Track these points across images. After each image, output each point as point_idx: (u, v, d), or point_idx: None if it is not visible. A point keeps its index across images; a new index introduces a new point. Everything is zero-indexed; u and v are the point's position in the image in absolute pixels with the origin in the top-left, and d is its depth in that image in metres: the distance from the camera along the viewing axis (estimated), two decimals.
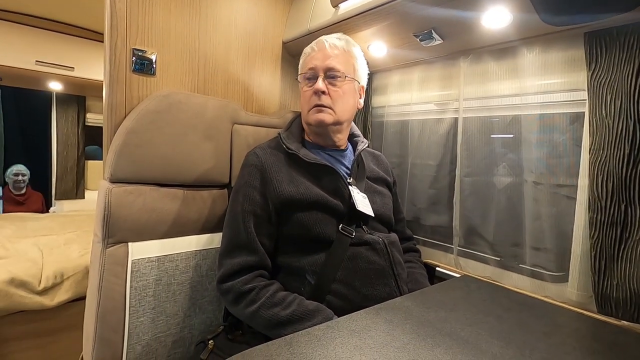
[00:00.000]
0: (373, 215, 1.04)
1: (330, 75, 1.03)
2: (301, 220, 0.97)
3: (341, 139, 1.12)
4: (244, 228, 0.97)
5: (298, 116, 1.17)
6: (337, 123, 1.06)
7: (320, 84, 1.01)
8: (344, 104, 1.05)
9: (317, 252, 0.97)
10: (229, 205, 1.04)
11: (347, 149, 1.15)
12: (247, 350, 0.62)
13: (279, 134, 1.09)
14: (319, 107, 1.02)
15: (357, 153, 1.11)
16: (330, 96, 1.02)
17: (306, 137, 1.13)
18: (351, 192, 1.01)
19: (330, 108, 1.03)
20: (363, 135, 1.69)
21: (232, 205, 1.02)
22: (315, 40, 1.08)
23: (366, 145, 1.15)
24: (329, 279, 0.94)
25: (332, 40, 1.05)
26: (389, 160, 1.31)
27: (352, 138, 1.19)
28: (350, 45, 1.08)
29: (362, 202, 1.02)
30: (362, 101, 1.14)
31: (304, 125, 1.12)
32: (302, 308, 0.87)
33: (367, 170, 1.14)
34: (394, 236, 1.09)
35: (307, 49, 1.09)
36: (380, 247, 0.99)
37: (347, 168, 1.11)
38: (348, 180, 1.04)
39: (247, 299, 0.90)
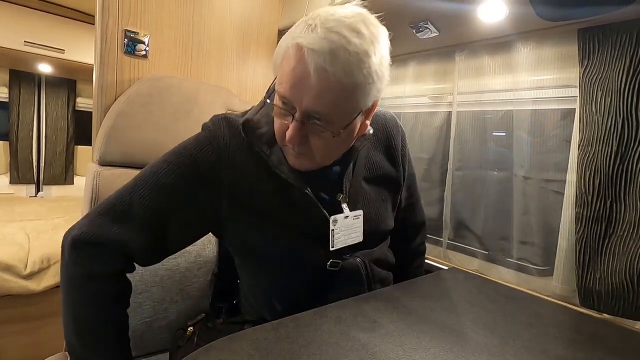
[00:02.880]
0: (361, 240, 0.80)
1: (312, 118, 0.64)
2: (256, 240, 0.75)
3: (332, 160, 0.77)
4: (145, 202, 0.68)
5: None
6: (325, 164, 0.75)
7: (294, 133, 0.64)
8: (332, 151, 0.72)
9: (275, 276, 0.78)
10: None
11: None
12: (233, 335, 0.63)
13: (245, 122, 0.72)
14: (295, 152, 0.69)
15: (353, 160, 0.80)
16: (310, 147, 0.68)
17: None
18: (330, 221, 0.75)
19: (310, 155, 0.69)
20: None
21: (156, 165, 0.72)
22: (295, 42, 0.61)
23: (367, 138, 0.80)
24: (286, 303, 0.78)
25: (320, 59, 0.57)
26: None
27: None
28: (354, 70, 0.59)
29: (346, 233, 0.78)
30: (368, 122, 0.74)
31: None
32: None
33: (367, 169, 0.84)
34: (379, 249, 0.88)
35: (283, 50, 0.64)
36: (358, 272, 0.81)
37: (337, 175, 0.80)
38: (339, 199, 0.78)
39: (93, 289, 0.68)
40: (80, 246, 0.66)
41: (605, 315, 0.93)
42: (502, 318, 0.78)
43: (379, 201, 0.85)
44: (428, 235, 1.46)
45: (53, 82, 3.40)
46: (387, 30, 0.67)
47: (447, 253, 1.37)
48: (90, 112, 1.14)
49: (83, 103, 3.62)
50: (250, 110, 0.78)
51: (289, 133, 0.64)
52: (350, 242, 0.78)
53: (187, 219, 0.72)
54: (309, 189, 0.73)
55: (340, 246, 0.77)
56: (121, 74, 1.09)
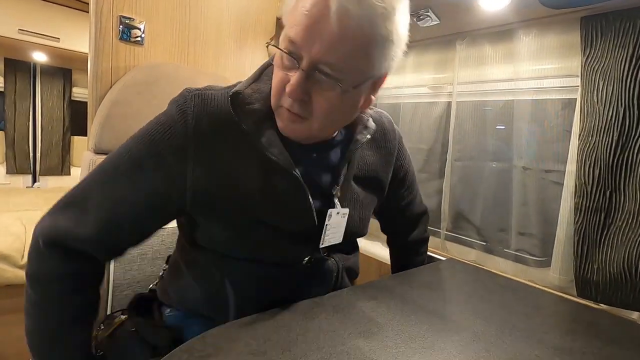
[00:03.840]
0: (340, 241, 0.74)
1: (321, 71, 0.55)
2: (225, 233, 0.66)
3: (329, 136, 0.71)
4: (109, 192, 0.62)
5: (271, 66, 0.66)
6: (318, 137, 0.67)
7: (297, 84, 0.55)
8: (334, 117, 0.63)
9: (242, 269, 0.70)
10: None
11: (338, 137, 0.73)
12: (230, 322, 0.62)
13: (234, 94, 0.62)
14: (291, 114, 0.60)
15: (352, 148, 0.72)
16: (311, 106, 0.59)
17: None
18: (327, 215, 0.69)
19: (307, 120, 0.60)
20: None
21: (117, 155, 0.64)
22: None
23: (369, 134, 0.73)
24: (246, 297, 0.71)
25: (345, 0, 0.51)
26: None
27: None
28: (379, 20, 0.53)
29: (337, 229, 0.72)
30: (374, 97, 0.67)
31: None
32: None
33: (359, 167, 0.77)
34: (353, 257, 0.84)
35: None
36: (331, 277, 0.77)
37: (333, 166, 0.73)
38: (334, 192, 0.71)
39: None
40: (40, 242, 0.61)
41: (602, 305, 0.93)
42: (500, 308, 0.78)
43: (364, 204, 0.79)
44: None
45: (48, 72, 3.36)
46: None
47: (445, 244, 1.37)
48: (87, 102, 1.13)
49: (79, 93, 3.58)
50: (238, 83, 0.66)
51: (290, 85, 0.56)
52: (333, 241, 0.72)
53: (144, 212, 0.63)
54: (300, 174, 0.64)
55: (327, 244, 0.71)
56: (116, 61, 1.07)
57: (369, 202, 0.81)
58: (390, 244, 1.06)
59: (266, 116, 0.64)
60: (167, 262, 0.86)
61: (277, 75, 0.60)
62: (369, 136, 0.72)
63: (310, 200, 0.66)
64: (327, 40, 0.53)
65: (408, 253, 1.04)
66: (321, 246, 0.71)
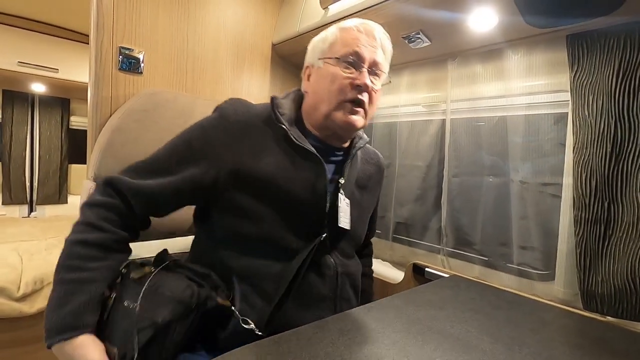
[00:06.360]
0: (348, 227, 0.85)
1: (374, 72, 0.83)
2: (253, 209, 0.77)
3: (348, 142, 0.92)
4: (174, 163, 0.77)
5: (298, 92, 0.91)
6: (363, 128, 0.88)
7: (368, 79, 0.80)
8: (375, 107, 0.87)
9: (256, 257, 0.79)
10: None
11: (345, 147, 0.93)
12: (234, 350, 0.61)
13: (273, 98, 0.84)
14: (357, 106, 0.81)
15: (355, 151, 0.90)
16: (370, 96, 0.82)
17: (308, 126, 0.87)
18: (339, 199, 0.83)
19: (365, 110, 0.82)
20: None
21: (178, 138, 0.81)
22: (358, 20, 0.83)
23: (365, 142, 0.95)
24: (256, 290, 0.77)
25: (381, 32, 0.84)
26: None
27: None
28: (390, 42, 0.87)
29: (345, 215, 0.85)
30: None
31: (313, 116, 0.85)
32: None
33: (361, 174, 0.95)
34: (353, 265, 0.91)
35: (347, 24, 0.83)
36: (329, 273, 0.83)
37: (339, 168, 0.88)
38: (341, 182, 0.85)
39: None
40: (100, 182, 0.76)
41: (609, 318, 0.92)
42: (506, 324, 0.77)
43: (362, 206, 0.94)
44: (426, 243, 1.46)
45: (47, 102, 3.39)
46: None
47: (447, 261, 1.36)
48: (84, 131, 1.14)
49: (77, 121, 3.60)
50: (249, 104, 0.87)
51: (363, 78, 0.79)
52: (344, 225, 0.84)
53: (185, 181, 0.76)
54: (323, 160, 0.81)
55: (342, 225, 0.83)
56: (116, 90, 1.09)
57: (365, 207, 0.96)
58: None
59: (294, 120, 0.84)
60: None
61: (338, 77, 0.80)
62: (364, 143, 0.94)
63: (327, 184, 0.81)
64: (377, 49, 0.82)
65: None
66: (340, 225, 0.82)
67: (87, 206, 0.73)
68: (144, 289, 0.69)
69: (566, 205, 1.01)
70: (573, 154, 0.95)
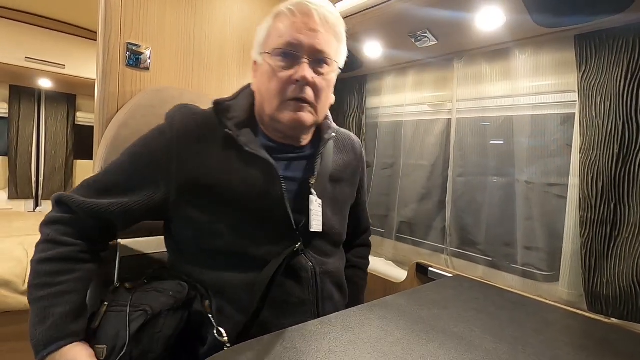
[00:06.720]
0: (321, 229, 0.79)
1: (318, 60, 0.73)
2: (210, 224, 0.73)
3: (307, 137, 0.85)
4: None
5: (248, 88, 0.84)
6: (316, 123, 0.81)
7: (308, 72, 0.71)
8: (326, 99, 0.79)
9: (224, 269, 0.74)
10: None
11: (308, 141, 0.85)
12: (238, 345, 0.61)
13: (216, 103, 0.77)
14: (301, 103, 0.74)
15: (323, 144, 0.83)
16: (315, 89, 0.74)
17: (261, 127, 0.82)
18: (310, 201, 0.77)
19: (312, 105, 0.75)
20: (356, 136, 1.69)
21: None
22: (296, 1, 0.74)
23: (334, 132, 0.87)
24: (230, 303, 0.74)
25: (323, 10, 0.73)
26: (382, 162, 1.30)
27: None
28: (341, 20, 0.78)
29: (317, 217, 0.79)
30: (333, 97, 0.83)
31: (263, 116, 0.80)
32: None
33: (334, 168, 0.88)
34: (333, 263, 0.85)
35: (281, 8, 0.75)
36: (306, 275, 0.77)
37: (309, 165, 0.82)
38: (311, 182, 0.79)
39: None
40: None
41: (614, 319, 0.91)
42: (510, 325, 0.77)
43: (339, 201, 0.88)
44: (430, 243, 1.46)
45: (53, 97, 3.42)
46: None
47: (451, 260, 1.36)
48: (90, 127, 1.14)
49: (83, 117, 3.63)
50: (197, 109, 0.81)
51: (302, 73, 0.71)
52: (316, 228, 0.78)
53: (135, 202, 0.73)
54: (275, 163, 0.75)
55: (314, 229, 0.77)
56: (123, 86, 1.10)
57: (342, 200, 0.90)
58: None
59: (245, 122, 0.77)
60: None
61: (276, 74, 0.73)
62: (333, 134, 0.86)
63: (284, 188, 0.75)
64: (319, 34, 0.72)
65: (352, 252, 1.03)
66: (311, 230, 0.76)
67: (45, 225, 0.72)
68: (134, 292, 0.71)
69: (572, 206, 1.00)
70: (580, 155, 0.94)
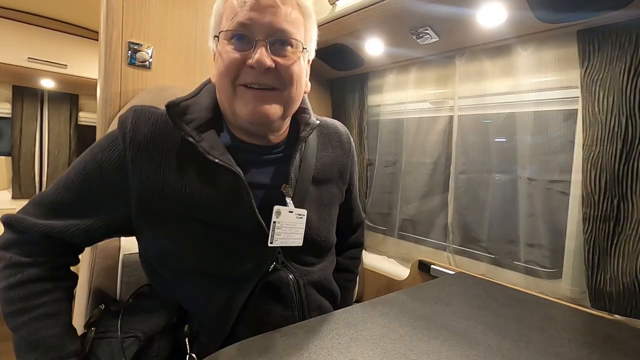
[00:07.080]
0: (300, 244, 0.70)
1: (280, 41, 0.63)
2: (173, 244, 0.66)
3: (281, 134, 0.74)
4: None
5: (210, 82, 0.75)
6: (285, 117, 0.69)
7: (265, 56, 0.60)
8: (298, 87, 0.67)
9: (195, 293, 0.68)
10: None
11: (284, 140, 0.75)
12: (241, 342, 0.62)
13: (168, 106, 0.65)
14: (261, 91, 0.63)
15: (300, 144, 0.73)
16: (279, 75, 0.63)
17: (228, 126, 0.71)
18: (274, 214, 0.66)
19: (277, 94, 0.64)
20: (358, 134, 1.68)
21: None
22: None
23: (313, 127, 0.74)
24: (206, 325, 0.69)
25: None
26: (384, 159, 1.29)
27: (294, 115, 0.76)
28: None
29: (287, 231, 0.69)
30: (308, 83, 0.73)
31: (225, 112, 0.70)
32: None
33: (317, 169, 0.77)
34: (319, 271, 0.77)
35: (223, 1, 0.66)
36: (287, 291, 0.70)
37: (282, 167, 0.72)
38: (283, 190, 0.70)
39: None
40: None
41: (617, 316, 0.91)
42: (513, 321, 0.77)
43: (325, 204, 0.78)
44: (433, 240, 1.46)
45: (56, 97, 3.43)
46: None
47: (453, 258, 1.35)
48: (92, 127, 1.15)
49: (85, 117, 3.64)
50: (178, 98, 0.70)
51: (257, 56, 0.60)
52: (290, 243, 0.69)
53: (93, 223, 0.66)
54: (242, 173, 0.64)
55: (280, 244, 0.68)
56: (125, 85, 1.10)
57: (329, 203, 0.80)
58: None
59: (207, 124, 0.67)
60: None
61: (229, 61, 0.62)
62: (312, 129, 0.74)
63: (252, 198, 0.65)
64: (278, 12, 0.61)
65: (344, 254, 0.96)
66: (270, 244, 0.66)
67: (2, 250, 0.64)
68: (120, 316, 0.67)
69: (574, 203, 1.00)
70: (582, 151, 0.94)
